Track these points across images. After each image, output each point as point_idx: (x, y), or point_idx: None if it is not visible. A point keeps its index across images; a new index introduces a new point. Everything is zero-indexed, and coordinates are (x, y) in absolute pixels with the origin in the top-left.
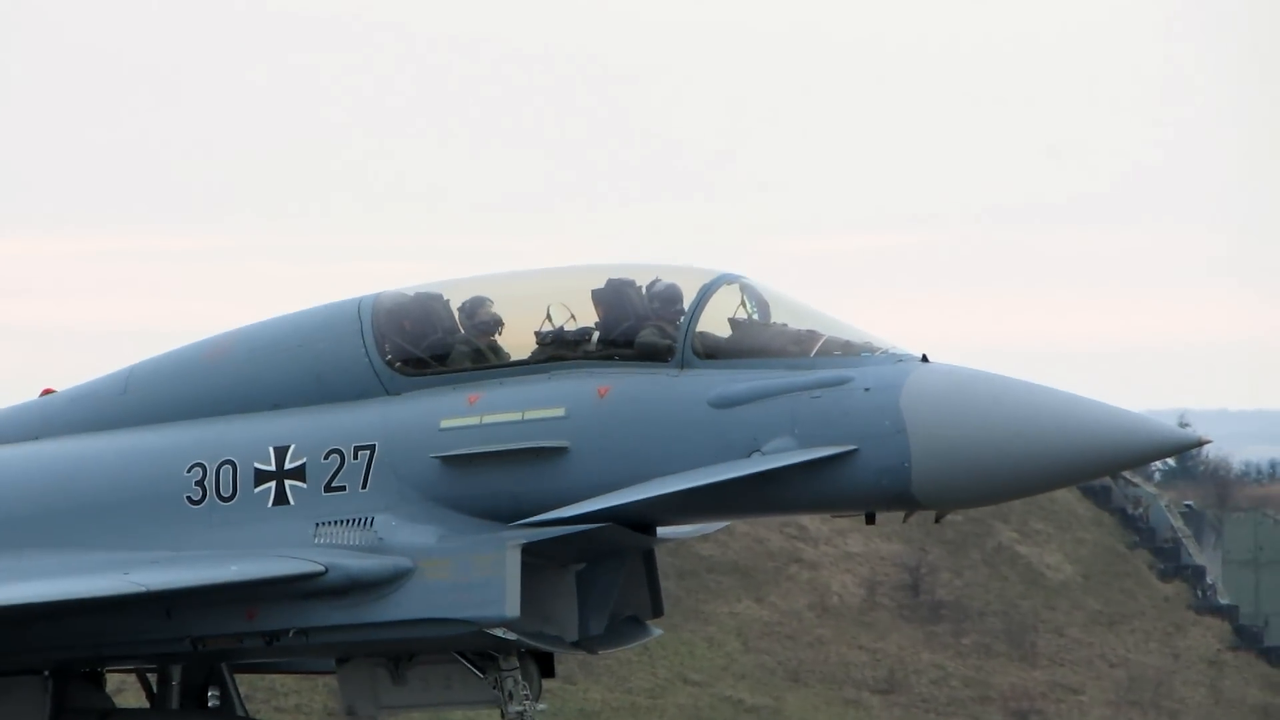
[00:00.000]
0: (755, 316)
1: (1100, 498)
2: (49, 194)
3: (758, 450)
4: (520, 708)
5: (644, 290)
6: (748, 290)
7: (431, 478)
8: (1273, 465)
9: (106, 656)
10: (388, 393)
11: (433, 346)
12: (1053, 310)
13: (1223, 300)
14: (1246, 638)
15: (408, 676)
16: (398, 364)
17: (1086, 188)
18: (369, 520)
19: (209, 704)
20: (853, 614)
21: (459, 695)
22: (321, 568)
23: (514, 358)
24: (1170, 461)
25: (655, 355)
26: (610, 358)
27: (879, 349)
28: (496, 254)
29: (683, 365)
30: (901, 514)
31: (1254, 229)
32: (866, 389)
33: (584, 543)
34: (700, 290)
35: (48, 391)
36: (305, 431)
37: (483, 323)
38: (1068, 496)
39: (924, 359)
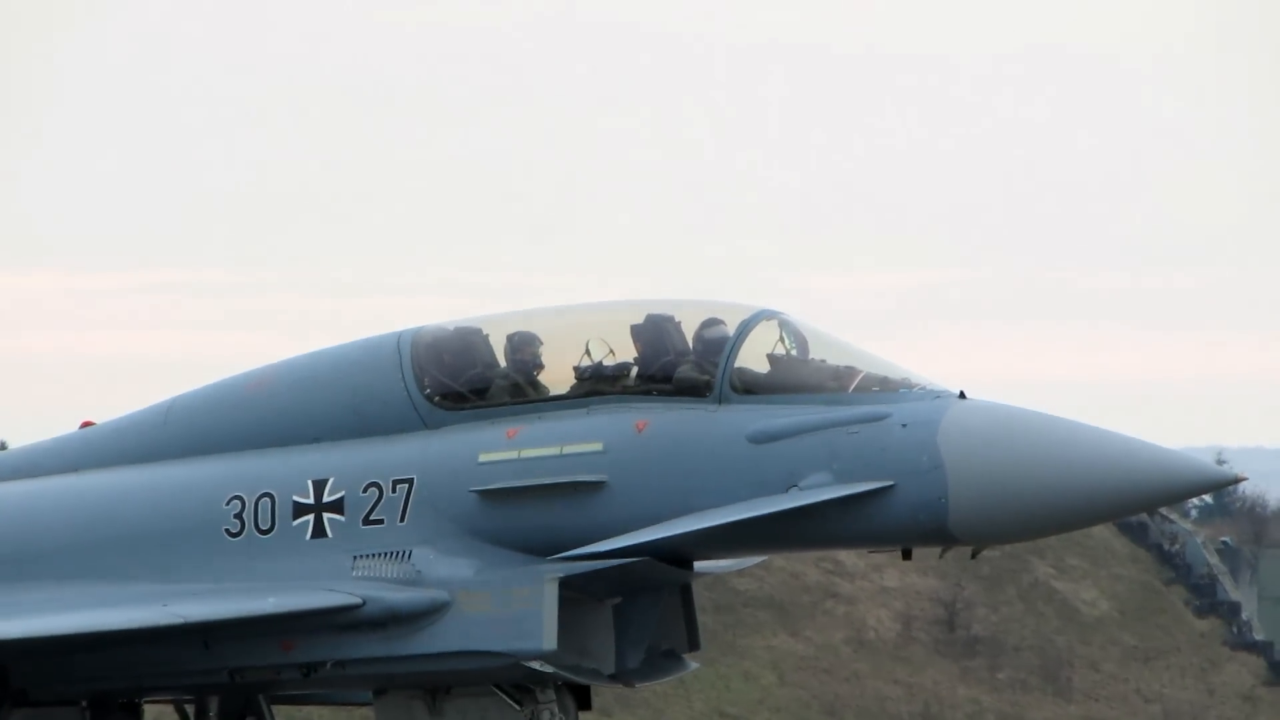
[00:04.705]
0: (794, 352)
1: (1136, 534)
2: (90, 227)
3: (795, 485)
4: None
5: (683, 326)
6: (786, 326)
7: (470, 511)
8: None
9: (144, 687)
10: (426, 426)
11: (472, 381)
12: (1088, 346)
13: (1260, 337)
14: None
15: (445, 708)
16: (437, 398)
17: (1121, 226)
18: (407, 553)
19: None
20: (888, 648)
21: None
22: (359, 600)
23: (553, 392)
24: (1207, 498)
25: (694, 390)
26: (649, 393)
27: (916, 385)
28: (534, 289)
29: (721, 400)
30: (938, 549)
31: None
32: (904, 425)
33: (621, 576)
34: (739, 326)
35: (87, 424)
36: (344, 464)
37: (524, 358)
38: (1104, 532)
39: (961, 395)
